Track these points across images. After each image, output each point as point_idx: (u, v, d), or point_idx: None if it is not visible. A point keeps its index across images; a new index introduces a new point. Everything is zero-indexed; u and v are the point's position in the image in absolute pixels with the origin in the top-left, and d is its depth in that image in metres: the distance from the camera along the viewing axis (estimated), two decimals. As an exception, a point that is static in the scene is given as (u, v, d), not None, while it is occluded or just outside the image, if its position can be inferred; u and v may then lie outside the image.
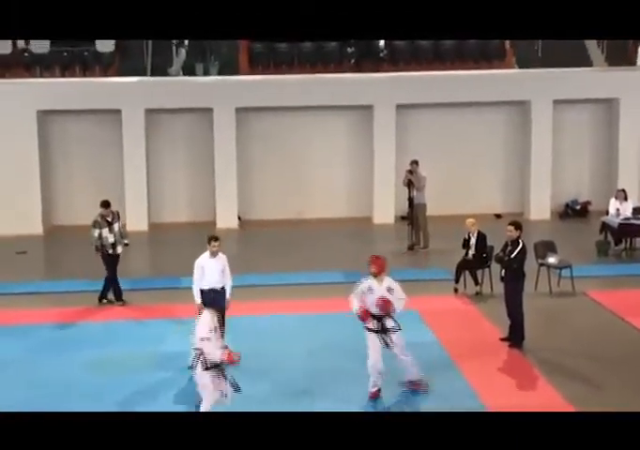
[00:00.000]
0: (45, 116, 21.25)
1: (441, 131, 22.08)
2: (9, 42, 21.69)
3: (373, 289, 10.19)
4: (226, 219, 21.40)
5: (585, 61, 23.02)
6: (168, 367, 11.50)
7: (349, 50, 22.60)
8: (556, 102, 21.57)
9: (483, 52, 22.94)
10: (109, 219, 14.60)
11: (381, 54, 22.61)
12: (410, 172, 18.42)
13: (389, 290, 10.21)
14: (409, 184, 18.38)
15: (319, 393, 10.49)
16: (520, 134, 22.19)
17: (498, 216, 21.63)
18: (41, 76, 21.75)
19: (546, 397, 10.28)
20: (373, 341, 10.26)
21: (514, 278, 12.07)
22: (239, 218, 21.73)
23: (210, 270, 11.36)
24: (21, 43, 21.93)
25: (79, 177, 21.66)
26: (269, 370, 11.28)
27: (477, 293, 14.81)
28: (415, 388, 10.47)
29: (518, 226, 12.11)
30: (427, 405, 10.03)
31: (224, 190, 21.38)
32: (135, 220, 21.08)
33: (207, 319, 9.00)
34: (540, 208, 21.72)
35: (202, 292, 11.44)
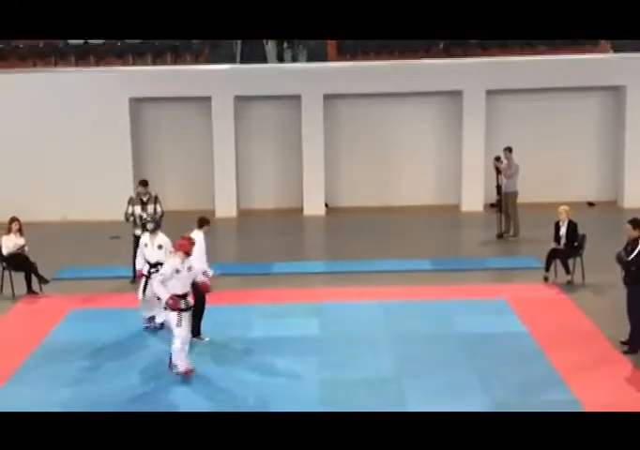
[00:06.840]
0: (137, 104, 21.64)
1: (532, 117, 21.68)
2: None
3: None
4: (313, 206, 21.47)
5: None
6: (256, 351, 11.63)
7: (438, 35, 22.31)
8: (653, 87, 20.97)
9: (577, 36, 22.37)
10: (144, 199, 14.91)
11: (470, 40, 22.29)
12: (497, 159, 18.15)
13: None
14: (497, 171, 18.15)
15: (405, 379, 10.45)
16: (614, 120, 21.62)
17: (591, 204, 21.16)
18: (133, 64, 22.11)
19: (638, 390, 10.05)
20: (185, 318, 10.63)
21: (634, 281, 11.07)
22: (326, 205, 21.77)
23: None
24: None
25: (169, 164, 22.00)
26: (356, 357, 11.27)
27: (568, 283, 14.52)
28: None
29: (637, 224, 11.07)
30: (517, 397, 9.87)
31: (312, 177, 21.44)
32: (225, 207, 21.36)
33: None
34: (635, 196, 21.10)
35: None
